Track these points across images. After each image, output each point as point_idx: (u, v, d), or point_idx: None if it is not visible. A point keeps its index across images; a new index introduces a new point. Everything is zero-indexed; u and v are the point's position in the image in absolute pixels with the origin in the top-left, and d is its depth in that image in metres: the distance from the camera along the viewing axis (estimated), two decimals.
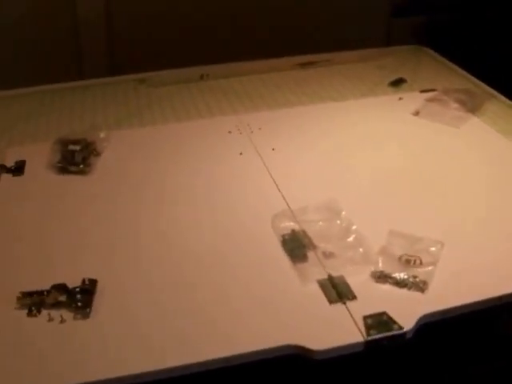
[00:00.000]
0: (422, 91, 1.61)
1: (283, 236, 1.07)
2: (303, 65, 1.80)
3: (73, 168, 1.31)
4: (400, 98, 1.57)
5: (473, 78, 1.70)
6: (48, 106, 1.65)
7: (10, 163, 1.35)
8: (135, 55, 2.06)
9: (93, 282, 0.99)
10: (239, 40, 2.08)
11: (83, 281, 0.99)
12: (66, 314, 0.94)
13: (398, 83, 1.67)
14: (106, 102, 1.66)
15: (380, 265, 0.99)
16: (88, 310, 0.95)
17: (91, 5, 2.04)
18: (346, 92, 1.63)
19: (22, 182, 1.30)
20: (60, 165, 1.32)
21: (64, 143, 1.37)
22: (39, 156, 1.36)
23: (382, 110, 1.52)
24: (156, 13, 2.09)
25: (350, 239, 1.05)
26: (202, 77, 1.76)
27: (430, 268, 0.98)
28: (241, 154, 1.34)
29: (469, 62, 1.79)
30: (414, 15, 2.33)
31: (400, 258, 1.00)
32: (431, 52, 1.90)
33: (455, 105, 1.51)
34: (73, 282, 0.98)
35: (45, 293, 0.97)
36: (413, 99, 1.56)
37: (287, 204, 1.16)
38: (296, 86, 1.69)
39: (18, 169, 1.34)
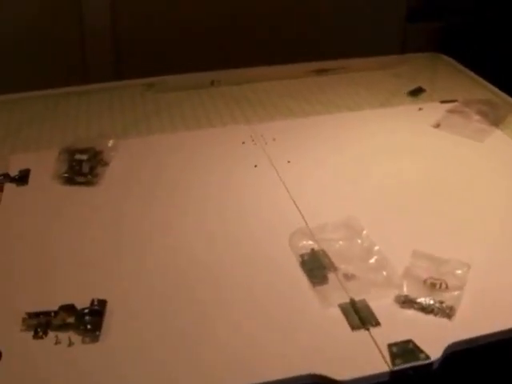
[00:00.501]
0: (443, 102, 1.59)
1: (302, 256, 1.05)
2: (318, 71, 1.78)
3: (80, 179, 1.29)
4: (420, 109, 1.55)
5: (494, 88, 1.68)
6: (52, 110, 1.64)
7: (13, 172, 1.33)
8: (142, 59, 2.04)
9: (102, 303, 0.97)
10: (252, 45, 2.05)
11: (92, 301, 0.97)
12: (74, 337, 0.92)
13: (416, 93, 1.65)
14: (112, 108, 1.64)
15: (404, 289, 0.97)
16: (98, 332, 0.93)
17: (97, 8, 2.01)
18: (363, 101, 1.61)
19: (26, 192, 1.28)
20: (66, 175, 1.30)
21: (71, 152, 1.35)
22: (44, 165, 1.34)
23: (401, 120, 1.50)
24: (165, 15, 2.07)
25: (372, 261, 1.03)
26: (212, 83, 1.74)
27: (456, 293, 0.96)
28: (255, 166, 1.32)
29: (487, 69, 1.77)
30: (430, 20, 2.30)
31: (425, 282, 0.98)
32: (449, 59, 1.88)
33: (477, 117, 1.49)
34: (80, 301, 0.96)
35: (52, 314, 0.95)
36: (433, 110, 1.54)
37: (305, 221, 1.14)
38: (310, 94, 1.67)
39: (23, 178, 1.32)
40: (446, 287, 0.97)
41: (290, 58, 1.77)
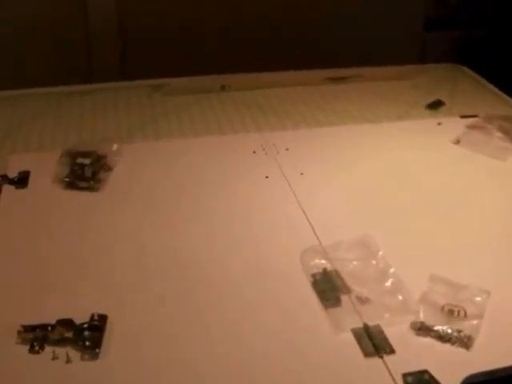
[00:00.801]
0: (462, 116, 1.57)
1: (314, 275, 1.03)
2: (333, 79, 1.76)
3: (82, 184, 1.27)
4: (439, 123, 1.53)
5: None
6: (55, 108, 1.63)
7: (12, 173, 1.31)
8: (150, 60, 2.02)
9: (102, 318, 0.95)
10: (265, 49, 2.03)
11: (92, 316, 0.95)
12: (73, 353, 0.89)
13: (435, 106, 1.63)
14: (117, 109, 1.63)
15: (421, 315, 0.95)
16: (97, 350, 0.90)
17: (103, 8, 1.99)
18: (380, 113, 1.59)
19: (25, 195, 1.26)
20: (68, 179, 1.28)
21: (73, 156, 1.33)
22: (45, 167, 1.32)
23: (420, 135, 1.48)
24: (173, 14, 2.05)
25: (388, 284, 1.00)
26: (222, 87, 1.72)
27: (475, 322, 0.94)
28: (266, 177, 1.29)
29: (510, 83, 1.75)
30: (449, 29, 2.28)
31: (442, 308, 0.96)
32: (470, 72, 1.86)
33: (499, 134, 1.47)
34: (80, 314, 0.94)
35: (49, 328, 0.92)
36: (452, 125, 1.52)
37: (317, 238, 1.11)
38: (325, 103, 1.65)
39: (22, 180, 1.30)
40: (465, 315, 0.95)
41: (305, 64, 1.75)
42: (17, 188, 1.28)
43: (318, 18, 2.10)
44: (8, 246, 1.11)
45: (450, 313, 0.96)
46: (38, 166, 1.33)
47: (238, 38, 2.06)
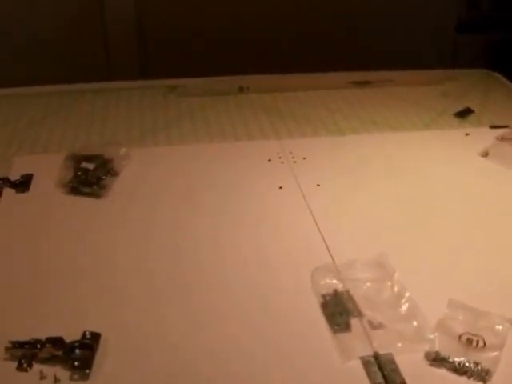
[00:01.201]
0: (492, 127, 1.52)
1: (324, 296, 0.99)
2: (358, 83, 1.72)
3: (85, 189, 1.25)
4: (466, 134, 1.48)
5: None
6: (67, 108, 1.62)
7: (15, 176, 1.29)
8: (168, 59, 2.00)
9: (95, 337, 0.92)
10: (287, 50, 2.00)
11: (84, 334, 0.92)
12: (61, 373, 0.87)
13: (464, 114, 1.58)
14: (130, 110, 1.61)
15: (436, 344, 0.91)
16: (87, 371, 0.87)
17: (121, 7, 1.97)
18: (406, 120, 1.55)
19: (25, 200, 1.24)
20: (71, 184, 1.25)
21: (77, 159, 1.31)
22: (49, 170, 1.30)
23: (446, 146, 1.43)
24: (192, 12, 2.02)
25: (402, 309, 0.97)
26: (241, 89, 1.69)
27: (494, 354, 0.89)
28: (280, 188, 1.26)
29: None
30: (482, 32, 2.23)
31: (460, 338, 0.92)
32: (502, 78, 1.82)
33: None
34: (72, 330, 0.91)
35: (38, 345, 0.90)
36: (481, 136, 1.47)
37: (330, 255, 1.08)
38: (348, 108, 1.61)
39: (24, 184, 1.28)
40: (484, 345, 0.91)
41: (329, 67, 1.71)
42: (17, 192, 1.26)
43: (344, 17, 2.06)
44: (1, 255, 1.08)
45: (468, 342, 0.92)
46: (41, 169, 1.32)
47: (259, 38, 2.03)
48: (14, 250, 1.10)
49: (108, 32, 2.00)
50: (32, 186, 1.27)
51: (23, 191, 1.26)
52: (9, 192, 1.26)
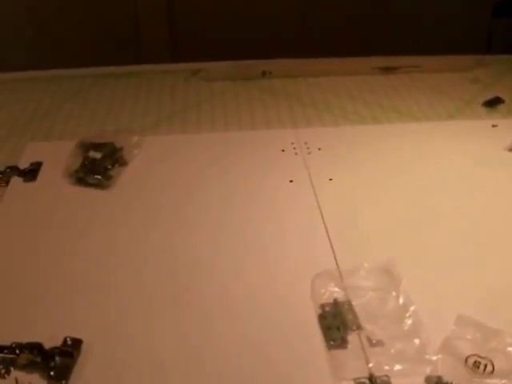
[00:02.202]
0: None
1: (323, 306, 0.88)
2: (384, 69, 1.58)
3: (91, 179, 1.14)
4: (493, 126, 1.33)
5: None
6: (86, 92, 1.52)
7: (25, 164, 1.19)
8: (195, 42, 1.88)
9: (76, 343, 0.82)
10: (311, 33, 1.86)
11: (65, 340, 0.82)
12: (39, 381, 0.78)
13: (493, 103, 1.43)
14: (149, 95, 1.51)
15: (439, 367, 0.78)
16: (63, 382, 0.78)
17: None
18: (430, 110, 1.41)
19: (32, 190, 1.15)
20: (77, 174, 1.15)
21: (86, 147, 1.20)
22: (59, 158, 1.21)
23: (470, 139, 1.28)
24: None
25: (405, 325, 0.85)
26: (263, 73, 1.57)
27: (503, 381, 0.77)
28: (291, 181, 1.14)
29: None
30: None
31: (467, 360, 0.79)
32: None
33: None
34: (57, 334, 0.82)
35: (17, 351, 0.80)
36: (509, 128, 1.32)
37: (335, 259, 0.96)
38: (371, 96, 1.48)
39: (32, 173, 1.18)
40: (492, 370, 0.78)
41: (354, 51, 1.57)
42: (25, 181, 1.17)
43: (372, 0, 1.90)
44: None
45: (475, 366, 0.79)
46: (51, 157, 1.22)
47: (284, 22, 1.89)
48: (8, 245, 1.01)
49: (138, 16, 1.89)
50: (40, 175, 1.18)
51: (30, 180, 1.16)
52: (17, 181, 1.16)
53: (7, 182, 1.16)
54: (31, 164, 1.20)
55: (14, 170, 1.18)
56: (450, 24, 1.94)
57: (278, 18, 1.87)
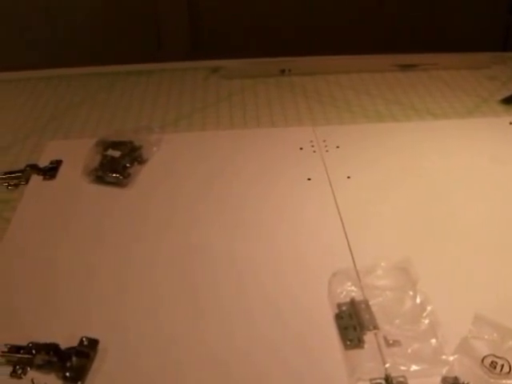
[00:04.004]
0: None
1: (339, 306, 0.86)
2: (402, 66, 1.55)
3: (109, 178, 1.13)
4: (511, 123, 1.30)
5: None
6: (107, 91, 1.51)
7: (44, 162, 1.18)
8: (216, 40, 1.86)
9: (92, 343, 0.81)
10: (330, 31, 1.83)
11: (81, 340, 0.80)
12: (55, 382, 0.77)
13: (510, 101, 1.41)
14: (170, 93, 1.50)
15: (456, 368, 0.76)
16: (80, 383, 0.76)
17: None
18: (448, 107, 1.39)
19: (51, 188, 1.14)
20: (96, 172, 1.13)
21: (106, 146, 1.19)
22: (78, 156, 1.19)
23: (487, 136, 1.26)
24: None
25: (422, 324, 0.82)
26: (282, 71, 1.55)
27: None
28: (309, 179, 1.12)
29: None
30: None
31: (483, 361, 0.77)
32: None
33: None
34: (73, 334, 0.81)
35: (33, 351, 0.79)
36: None
37: (353, 258, 0.94)
38: (390, 93, 1.46)
39: (51, 171, 1.17)
40: (509, 370, 0.76)
41: (373, 48, 1.55)
42: (44, 179, 1.16)
43: None
44: (16, 247, 0.99)
45: (492, 366, 0.77)
46: (71, 155, 1.21)
47: (302, 19, 1.87)
48: (27, 242, 1.00)
49: (159, 14, 1.87)
50: (59, 173, 1.17)
51: (50, 178, 1.15)
52: (36, 179, 1.15)
53: (27, 180, 1.15)
54: (51, 162, 1.19)
55: (34, 168, 1.18)
56: (467, 21, 1.90)
57: (297, 16, 1.85)
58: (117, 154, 1.16)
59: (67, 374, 0.77)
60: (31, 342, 0.80)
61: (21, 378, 0.78)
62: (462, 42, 1.61)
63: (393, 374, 0.76)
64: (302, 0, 1.85)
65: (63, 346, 0.80)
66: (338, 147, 1.22)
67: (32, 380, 0.77)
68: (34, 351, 0.79)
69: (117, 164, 1.15)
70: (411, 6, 1.89)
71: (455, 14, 1.91)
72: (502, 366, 0.77)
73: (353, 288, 0.88)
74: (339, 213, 1.04)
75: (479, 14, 1.94)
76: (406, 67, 1.56)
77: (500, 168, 1.16)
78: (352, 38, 1.80)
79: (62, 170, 1.17)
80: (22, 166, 1.18)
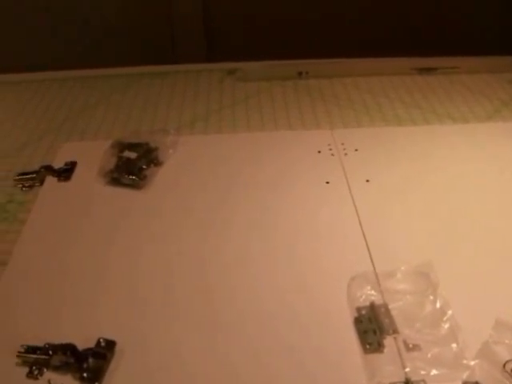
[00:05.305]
0: None
1: (359, 309, 0.87)
2: (421, 70, 1.56)
3: (125, 179, 1.14)
4: None
5: None
6: (121, 92, 1.52)
7: (59, 164, 1.19)
8: (231, 42, 1.87)
9: (109, 345, 0.82)
10: (348, 34, 1.84)
11: (98, 341, 0.82)
12: (72, 383, 0.78)
13: None
14: (185, 95, 1.51)
15: (476, 372, 0.77)
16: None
17: None
18: (468, 111, 1.39)
19: (66, 189, 1.16)
20: (112, 174, 1.15)
21: (121, 147, 1.20)
22: (93, 158, 1.21)
23: (508, 141, 1.26)
24: None
25: (443, 329, 0.83)
26: (299, 74, 1.56)
27: None
28: (327, 183, 1.13)
29: None
30: None
31: (505, 366, 0.78)
32: None
33: None
34: (89, 335, 0.82)
35: (50, 352, 0.80)
36: None
37: (372, 262, 0.95)
38: (409, 97, 1.47)
39: (66, 172, 1.18)
40: None
41: (392, 51, 1.56)
42: (59, 180, 1.17)
43: (409, 0, 1.88)
44: (31, 248, 1.00)
45: None
46: (86, 157, 1.23)
47: (320, 21, 1.88)
48: (40, 244, 1.02)
49: (174, 15, 1.89)
50: (74, 175, 1.18)
51: (65, 180, 1.17)
52: (51, 180, 1.17)
53: (42, 182, 1.16)
54: (66, 164, 1.21)
55: (49, 169, 1.19)
56: (488, 25, 1.91)
57: (314, 18, 1.86)
58: (133, 155, 1.17)
59: (85, 374, 0.78)
60: (48, 343, 0.81)
61: (37, 378, 0.79)
62: (482, 46, 1.61)
63: (413, 379, 0.77)
64: (320, 3, 1.86)
65: (79, 347, 0.81)
66: (356, 150, 1.23)
67: (49, 381, 0.79)
68: (50, 352, 0.80)
69: (133, 166, 1.16)
70: (434, 8, 1.90)
71: (476, 16, 1.91)
72: None
73: (372, 292, 0.89)
74: (358, 216, 1.05)
75: (500, 17, 1.94)
76: (425, 71, 1.56)
77: None
78: (370, 41, 1.80)
79: (77, 171, 1.19)
80: (35, 167, 1.19)
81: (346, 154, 1.22)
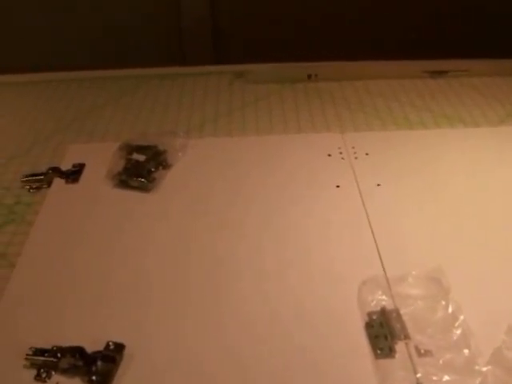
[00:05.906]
0: None
1: (370, 314, 0.87)
2: (433, 73, 1.56)
3: (133, 182, 1.14)
4: None
5: None
6: (130, 94, 1.52)
7: (67, 165, 1.20)
8: (240, 44, 1.88)
9: (118, 348, 0.82)
10: (358, 36, 1.84)
11: (107, 345, 0.82)
12: None
13: None
14: (194, 97, 1.51)
15: (489, 379, 0.77)
16: None
17: None
18: (479, 115, 1.39)
19: (74, 191, 1.16)
20: (120, 176, 1.15)
21: (130, 150, 1.21)
22: (102, 160, 1.21)
23: None
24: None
25: (455, 334, 0.83)
26: (309, 77, 1.56)
27: None
28: (337, 187, 1.14)
29: None
30: None
31: None
32: None
33: None
34: (97, 338, 0.82)
35: (58, 354, 0.80)
36: None
37: (383, 267, 0.95)
38: (419, 100, 1.47)
39: (74, 174, 1.19)
40: None
41: (403, 54, 1.56)
42: (67, 182, 1.18)
43: (420, 2, 1.88)
44: (39, 250, 1.01)
45: None
46: (94, 159, 1.23)
47: (330, 24, 1.88)
48: (48, 246, 1.03)
49: (182, 17, 1.89)
50: (82, 177, 1.19)
51: (73, 182, 1.17)
52: (59, 182, 1.17)
53: (49, 184, 1.17)
54: (74, 166, 1.21)
55: (57, 171, 1.20)
56: (499, 27, 1.91)
57: (324, 21, 1.86)
58: (142, 158, 1.18)
59: (93, 377, 0.79)
60: (56, 346, 0.82)
61: (45, 381, 0.80)
62: (494, 48, 1.61)
63: None
64: (330, 4, 1.86)
65: (87, 350, 0.81)
66: (367, 154, 1.23)
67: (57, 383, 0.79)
68: (59, 354, 0.81)
69: (141, 168, 1.16)
70: (447, 10, 1.90)
71: (488, 19, 1.91)
72: None
73: (383, 297, 0.90)
74: (369, 220, 1.05)
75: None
76: (436, 74, 1.56)
77: None
78: (381, 44, 1.80)
79: (85, 173, 1.19)
80: (42, 167, 1.20)
81: (356, 158, 1.22)
